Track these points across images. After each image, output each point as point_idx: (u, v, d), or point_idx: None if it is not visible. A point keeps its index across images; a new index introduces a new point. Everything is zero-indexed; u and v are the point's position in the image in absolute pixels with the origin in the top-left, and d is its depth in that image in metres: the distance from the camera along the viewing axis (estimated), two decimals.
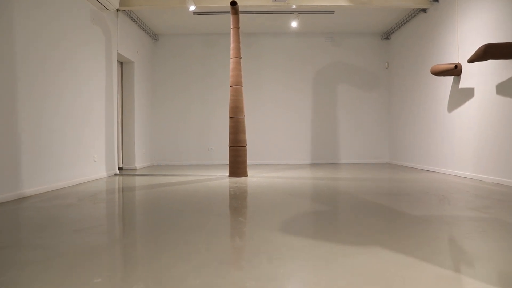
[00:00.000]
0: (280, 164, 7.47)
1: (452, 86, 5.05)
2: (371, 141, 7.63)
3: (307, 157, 7.61)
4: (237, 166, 5.02)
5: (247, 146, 5.16)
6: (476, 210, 2.66)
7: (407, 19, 6.41)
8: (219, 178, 4.91)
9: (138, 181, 4.80)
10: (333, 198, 3.36)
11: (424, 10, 5.81)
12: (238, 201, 3.24)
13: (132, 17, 6.19)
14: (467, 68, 4.66)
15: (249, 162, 6.71)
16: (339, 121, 7.64)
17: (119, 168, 6.21)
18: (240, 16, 5.91)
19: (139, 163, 6.65)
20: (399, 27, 6.85)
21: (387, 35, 7.42)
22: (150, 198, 3.47)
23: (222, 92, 7.48)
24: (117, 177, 5.19)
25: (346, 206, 2.97)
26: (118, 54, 5.81)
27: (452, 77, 5.03)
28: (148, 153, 7.20)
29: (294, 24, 6.62)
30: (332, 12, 6.26)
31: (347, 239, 1.92)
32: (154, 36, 7.40)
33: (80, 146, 4.53)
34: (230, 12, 5.17)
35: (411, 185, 4.05)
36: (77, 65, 4.48)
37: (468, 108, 4.68)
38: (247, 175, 5.12)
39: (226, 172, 5.58)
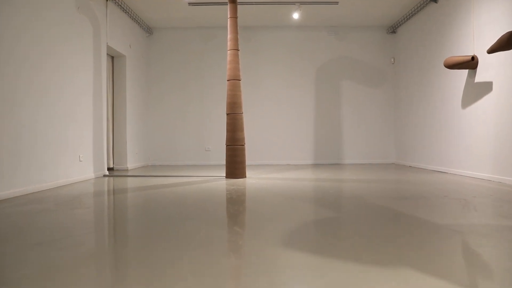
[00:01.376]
0: (280, 164, 7.10)
1: (467, 80, 4.69)
2: (376, 140, 7.26)
3: (309, 157, 7.24)
4: (235, 167, 4.65)
5: (245, 145, 4.79)
6: (511, 218, 2.29)
7: (415, 10, 6.04)
8: (216, 180, 4.55)
9: (128, 182, 4.43)
10: (341, 203, 3.00)
11: (434, 1, 5.44)
12: (234, 207, 2.87)
13: (123, 8, 5.82)
14: (484, 60, 4.30)
15: (247, 162, 6.35)
16: (342, 119, 7.27)
17: (110, 169, 5.84)
18: (238, 7, 5.55)
19: (131, 163, 6.29)
20: (407, 19, 6.48)
21: (393, 29, 7.05)
22: (137, 202, 3.11)
23: (220, 89, 7.10)
24: (105, 179, 4.82)
25: (357, 213, 2.60)
26: (108, 47, 5.44)
27: (467, 70, 4.67)
28: (141, 153, 6.83)
29: (295, 15, 6.25)
30: (337, 3, 5.90)
31: (365, 256, 1.56)
32: (148, 29, 7.03)
33: (64, 145, 4.16)
34: (228, 1, 4.80)
35: (425, 188, 3.68)
36: (62, 57, 4.10)
37: (485, 103, 4.31)
38: (245, 177, 4.75)
39: (223, 173, 5.21)
